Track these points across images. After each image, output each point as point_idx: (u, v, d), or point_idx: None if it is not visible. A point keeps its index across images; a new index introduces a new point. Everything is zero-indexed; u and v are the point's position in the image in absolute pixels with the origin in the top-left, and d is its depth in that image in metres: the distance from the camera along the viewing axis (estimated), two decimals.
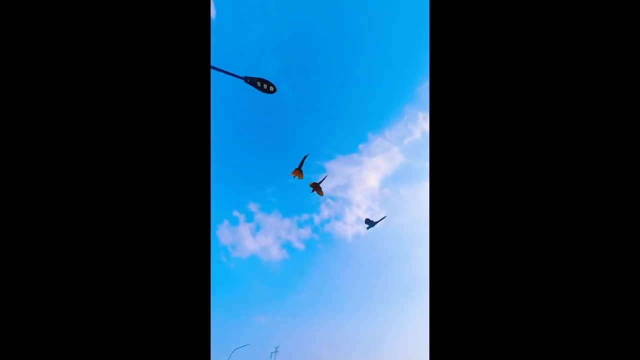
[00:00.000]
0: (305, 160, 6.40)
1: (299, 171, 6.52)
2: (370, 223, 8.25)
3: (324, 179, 6.90)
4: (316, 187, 6.89)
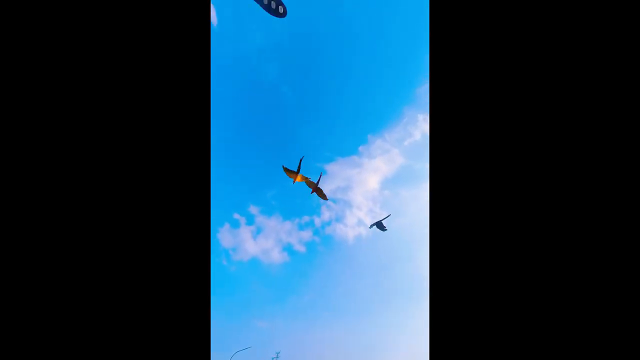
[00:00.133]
0: (302, 162, 6.31)
1: (298, 175, 6.41)
2: (381, 227, 8.06)
3: (320, 178, 6.76)
4: (317, 189, 6.77)
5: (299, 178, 6.52)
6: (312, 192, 6.78)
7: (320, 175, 6.74)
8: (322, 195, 6.84)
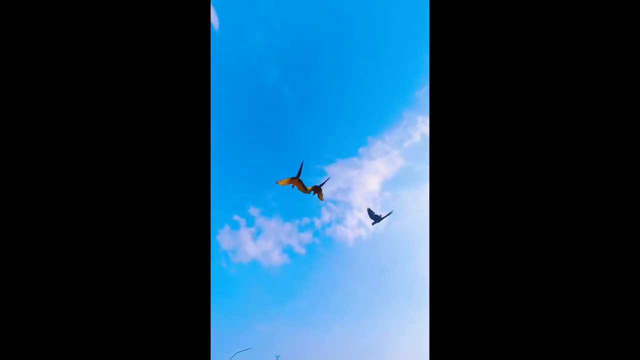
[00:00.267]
0: (302, 164, 6.27)
1: (297, 181, 6.35)
2: (375, 218, 7.87)
3: (325, 181, 6.79)
4: (317, 190, 6.77)
5: (296, 183, 6.46)
6: (313, 194, 6.80)
7: (327, 179, 6.77)
8: (320, 196, 6.84)
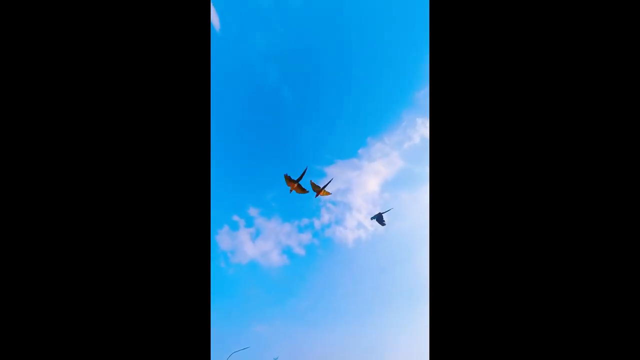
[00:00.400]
0: (305, 170, 6.27)
1: (297, 185, 6.35)
2: (380, 220, 7.90)
3: (328, 183, 6.81)
4: (321, 190, 6.79)
5: (295, 187, 6.48)
6: (317, 195, 6.82)
7: (330, 181, 6.80)
8: (324, 192, 6.85)
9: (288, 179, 6.45)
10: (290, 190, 6.53)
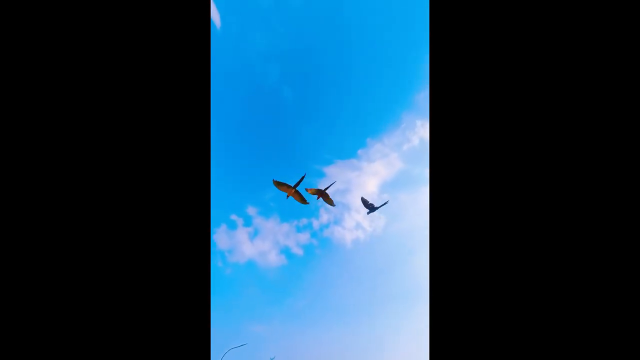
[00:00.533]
0: (304, 177, 5.96)
1: (294, 191, 6.02)
2: (370, 207, 7.63)
3: (330, 185, 6.60)
4: (322, 194, 6.51)
5: (291, 192, 6.12)
6: (318, 198, 6.63)
7: (332, 183, 6.63)
8: (329, 201, 6.68)
9: (278, 184, 6.03)
10: (287, 196, 6.17)
